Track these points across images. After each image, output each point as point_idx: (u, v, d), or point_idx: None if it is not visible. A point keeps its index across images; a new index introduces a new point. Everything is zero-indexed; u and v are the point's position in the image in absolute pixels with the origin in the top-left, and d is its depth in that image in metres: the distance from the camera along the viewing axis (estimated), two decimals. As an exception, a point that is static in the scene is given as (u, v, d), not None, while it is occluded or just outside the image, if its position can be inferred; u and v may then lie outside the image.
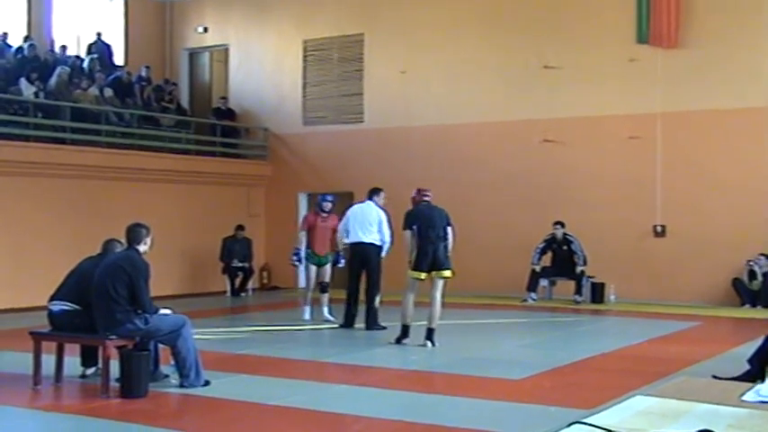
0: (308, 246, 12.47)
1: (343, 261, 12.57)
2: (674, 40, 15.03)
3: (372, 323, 11.43)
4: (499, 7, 16.67)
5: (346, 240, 11.69)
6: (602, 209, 15.47)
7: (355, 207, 11.83)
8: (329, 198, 12.67)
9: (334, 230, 12.27)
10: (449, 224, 10.18)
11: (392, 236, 11.50)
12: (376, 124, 17.77)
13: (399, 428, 6.28)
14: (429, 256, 9.97)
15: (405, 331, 10.23)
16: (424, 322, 10.12)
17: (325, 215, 12.47)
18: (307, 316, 12.58)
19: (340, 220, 12.03)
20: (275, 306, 15.54)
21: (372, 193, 11.70)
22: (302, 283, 12.75)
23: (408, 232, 10.13)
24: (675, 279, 14.90)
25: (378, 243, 11.40)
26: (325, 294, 12.46)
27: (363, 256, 11.48)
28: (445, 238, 10.10)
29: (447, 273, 10.05)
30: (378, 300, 11.51)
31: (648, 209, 15.21)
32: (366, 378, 8.27)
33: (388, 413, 6.70)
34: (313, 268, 12.53)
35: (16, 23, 17.48)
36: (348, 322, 11.59)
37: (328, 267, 12.57)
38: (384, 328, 11.24)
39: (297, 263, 13.06)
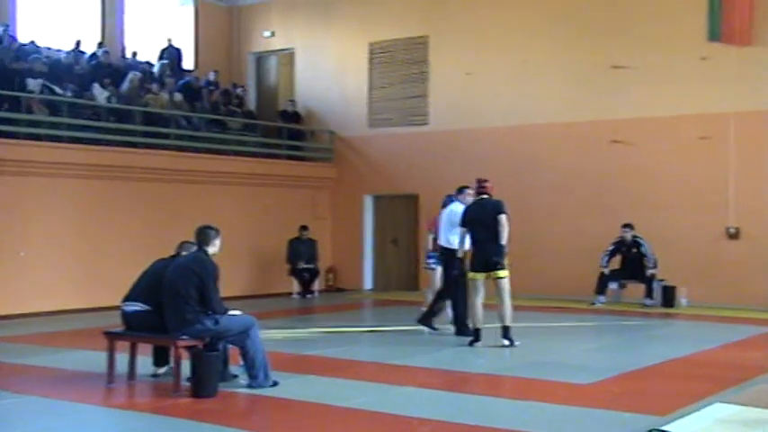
0: (436, 249, 11.98)
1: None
2: (747, 37, 14.65)
3: (459, 328, 10.99)
4: (566, 7, 16.48)
5: None
6: (673, 211, 15.17)
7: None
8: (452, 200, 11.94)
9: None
10: (500, 213, 9.99)
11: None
12: (441, 126, 17.72)
13: (467, 432, 6.24)
14: (481, 258, 10.07)
15: (476, 334, 10.23)
16: (498, 324, 10.12)
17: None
18: None
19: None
20: (342, 307, 15.60)
21: (457, 193, 11.36)
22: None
23: (462, 230, 10.32)
24: (750, 283, 14.51)
25: (450, 246, 11.03)
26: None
27: (445, 261, 11.31)
28: (496, 239, 9.96)
29: (501, 273, 10.03)
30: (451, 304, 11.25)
31: (721, 211, 14.85)
32: (432, 380, 8.24)
33: (454, 416, 6.66)
34: (439, 270, 11.82)
35: (90, 31, 17.87)
36: (421, 318, 11.40)
37: None
38: (436, 329, 11.23)
39: (433, 267, 12.13)
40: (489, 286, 10.28)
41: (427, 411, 6.81)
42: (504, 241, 10.01)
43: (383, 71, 18.66)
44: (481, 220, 10.09)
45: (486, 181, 10.41)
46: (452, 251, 11.02)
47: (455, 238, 10.95)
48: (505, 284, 10.04)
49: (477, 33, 17.38)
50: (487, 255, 10.01)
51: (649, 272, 14.62)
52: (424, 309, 12.10)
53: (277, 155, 18.55)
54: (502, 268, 10.03)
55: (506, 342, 10.02)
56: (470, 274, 10.20)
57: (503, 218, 10.00)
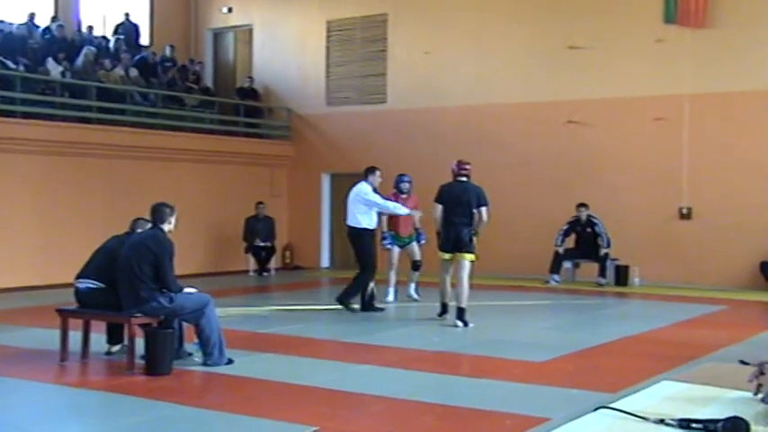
0: (391, 228, 12.29)
1: (424, 239, 12.48)
2: (701, 19, 14.83)
3: (341, 301, 11.33)
4: (525, -13, 16.55)
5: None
6: (627, 191, 15.36)
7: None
8: (406, 178, 12.41)
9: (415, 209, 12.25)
10: (482, 204, 10.21)
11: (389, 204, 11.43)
12: (399, 105, 17.72)
13: (420, 409, 6.28)
14: (451, 239, 10.20)
15: (443, 308, 10.61)
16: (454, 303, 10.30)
17: (404, 196, 12.31)
18: (390, 297, 12.41)
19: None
20: (299, 285, 15.58)
21: (367, 173, 11.55)
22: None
23: (439, 207, 10.35)
24: (701, 262, 14.78)
25: (359, 226, 11.23)
26: (415, 273, 12.45)
27: (350, 240, 11.53)
28: (470, 223, 10.17)
29: (468, 256, 10.19)
30: (370, 283, 11.40)
31: (674, 191, 15.08)
32: (388, 358, 8.27)
33: (410, 394, 6.69)
34: (396, 250, 12.36)
35: (44, 4, 17.53)
36: (362, 306, 11.48)
37: (415, 246, 12.44)
38: (381, 309, 11.46)
39: (390, 246, 12.42)
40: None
41: (382, 389, 6.84)
42: (479, 229, 10.28)
43: (341, 49, 18.59)
44: (461, 202, 10.20)
45: (467, 164, 10.55)
46: (360, 230, 11.18)
47: (363, 218, 11.18)
48: (468, 265, 10.19)
49: (435, 12, 17.36)
50: (460, 236, 10.14)
51: (603, 251, 14.81)
52: (391, 288, 12.42)
53: (234, 132, 18.43)
54: (471, 252, 10.19)
55: (460, 324, 10.11)
56: (440, 254, 10.39)
57: (484, 211, 10.21)
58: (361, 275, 11.35)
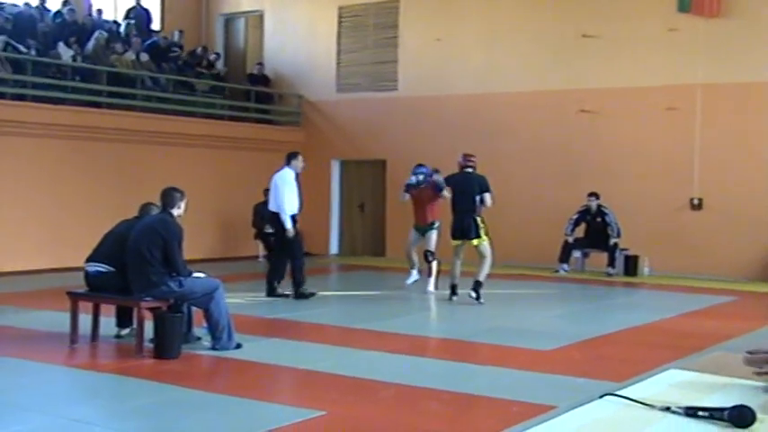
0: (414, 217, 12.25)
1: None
2: (716, 9, 14.72)
3: (296, 292, 11.24)
4: (537, -25, 16.47)
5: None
6: (638, 181, 15.30)
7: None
8: (420, 170, 11.99)
9: (432, 200, 11.84)
10: (485, 191, 10.83)
11: (301, 202, 11.38)
12: (410, 92, 17.68)
13: (428, 396, 6.31)
14: (458, 227, 10.90)
15: (452, 289, 11.03)
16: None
17: (423, 186, 11.95)
18: (410, 280, 12.26)
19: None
20: (308, 272, 15.52)
21: (290, 158, 11.45)
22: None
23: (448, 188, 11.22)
24: (712, 253, 14.72)
25: (281, 212, 11.10)
26: (429, 265, 11.95)
27: (272, 225, 11.50)
28: (473, 210, 10.80)
29: (475, 241, 10.87)
30: (302, 270, 11.28)
31: (685, 181, 15.02)
32: (396, 345, 8.29)
33: (417, 380, 6.72)
34: (413, 234, 12.17)
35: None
36: (267, 291, 11.44)
37: (432, 235, 11.92)
38: (312, 294, 11.30)
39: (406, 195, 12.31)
40: (470, 253, 11.08)
41: (390, 375, 6.86)
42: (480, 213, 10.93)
43: (352, 35, 18.55)
44: (464, 191, 10.90)
45: (472, 156, 11.23)
46: (273, 214, 11.17)
47: (286, 204, 11.04)
48: (484, 249, 10.87)
49: (447, -1, 17.32)
50: (464, 223, 10.81)
51: (613, 241, 14.77)
52: (413, 271, 12.29)
53: (245, 118, 18.42)
54: (479, 236, 10.82)
55: (474, 295, 10.66)
56: (452, 241, 11.02)
57: (487, 197, 10.85)
58: (291, 262, 11.23)
